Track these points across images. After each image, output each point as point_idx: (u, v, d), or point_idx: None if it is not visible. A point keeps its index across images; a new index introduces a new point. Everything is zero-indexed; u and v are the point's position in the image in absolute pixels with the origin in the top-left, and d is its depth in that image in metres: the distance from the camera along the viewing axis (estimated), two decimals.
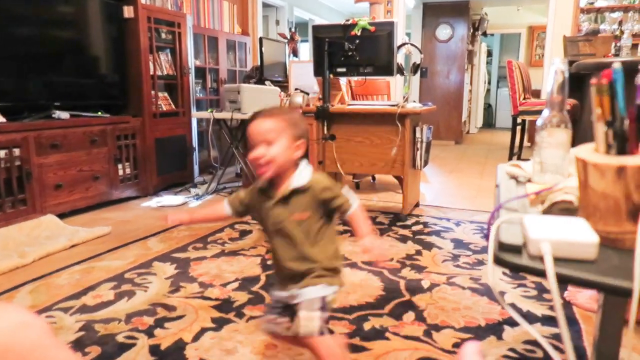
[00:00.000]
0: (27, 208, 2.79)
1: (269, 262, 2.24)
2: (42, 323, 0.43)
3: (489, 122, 10.30)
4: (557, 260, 0.60)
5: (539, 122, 0.99)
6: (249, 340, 1.52)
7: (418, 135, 3.03)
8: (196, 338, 1.54)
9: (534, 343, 1.50)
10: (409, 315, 1.69)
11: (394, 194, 3.74)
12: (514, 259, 0.63)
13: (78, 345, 1.50)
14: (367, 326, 1.61)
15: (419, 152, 3.07)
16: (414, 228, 2.81)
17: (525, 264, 0.62)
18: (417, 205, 3.37)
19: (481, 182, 4.21)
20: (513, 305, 1.76)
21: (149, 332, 1.58)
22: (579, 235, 0.62)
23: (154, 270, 2.15)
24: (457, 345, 1.49)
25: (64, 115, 3.09)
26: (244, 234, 2.72)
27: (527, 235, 0.64)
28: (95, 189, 3.27)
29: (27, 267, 2.20)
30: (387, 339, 1.53)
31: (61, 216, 2.95)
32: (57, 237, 2.60)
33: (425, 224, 2.89)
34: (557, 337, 1.53)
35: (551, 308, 1.74)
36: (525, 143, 5.36)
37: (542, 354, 1.44)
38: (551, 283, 0.59)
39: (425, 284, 1.98)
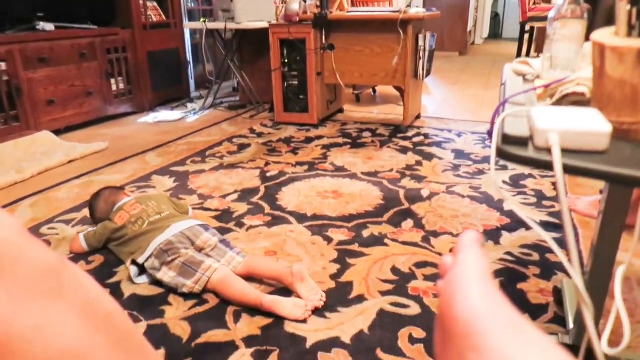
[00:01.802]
0: (20, 125, 2.74)
1: (268, 174, 2.23)
2: (12, 220, 0.40)
3: (495, 33, 9.88)
4: (565, 151, 0.57)
5: (551, 14, 0.91)
6: (249, 248, 1.54)
7: (421, 43, 2.90)
8: None
9: (531, 247, 1.52)
10: (408, 223, 1.70)
11: (395, 107, 3.66)
12: (519, 152, 0.59)
13: (81, 254, 1.52)
14: (366, 233, 1.63)
15: (421, 62, 2.95)
16: (415, 139, 2.77)
17: (531, 156, 0.59)
18: (418, 117, 3.30)
19: (485, 94, 4.11)
20: (511, 212, 1.77)
21: None
22: (590, 125, 0.58)
23: (153, 183, 2.14)
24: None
25: (49, 26, 2.94)
26: (242, 147, 2.69)
27: (534, 127, 0.60)
28: (89, 104, 3.20)
29: (26, 183, 2.20)
30: (386, 245, 1.55)
31: (57, 133, 2.91)
32: (54, 153, 2.57)
33: (426, 136, 2.85)
34: (555, 241, 1.54)
35: (550, 215, 1.75)
36: (532, 54, 5.17)
37: (538, 257, 1.46)
38: (558, 175, 0.56)
39: (425, 193, 1.98)
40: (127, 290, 1.32)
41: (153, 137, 2.94)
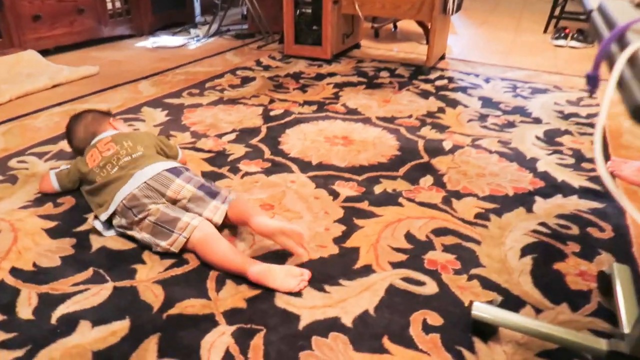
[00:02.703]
0: (3, 41, 2.48)
1: (271, 113, 1.99)
2: None
3: None
4: None
5: None
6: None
7: None
8: None
9: (569, 218, 1.30)
10: (427, 180, 1.48)
11: (417, 45, 3.33)
12: None
13: (49, 195, 1.33)
14: (377, 189, 1.41)
15: None
16: (438, 83, 2.49)
17: None
18: (442, 58, 2.99)
19: (515, 37, 3.73)
20: (545, 174, 1.53)
21: None
22: None
23: (142, 116, 1.92)
24: (479, 216, 1.29)
25: None
26: (246, 81, 2.43)
27: None
28: (81, 23, 2.91)
29: (3, 107, 1.98)
30: (400, 204, 1.34)
31: (45, 53, 2.65)
32: (39, 75, 2.33)
33: (450, 79, 2.56)
34: (596, 212, 1.33)
35: (590, 179, 1.52)
36: None
37: (577, 230, 1.25)
38: None
39: (447, 145, 1.74)
40: (96, 242, 1.14)
41: (149, 64, 2.68)
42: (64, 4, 2.76)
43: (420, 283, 1.04)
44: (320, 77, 2.54)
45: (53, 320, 0.90)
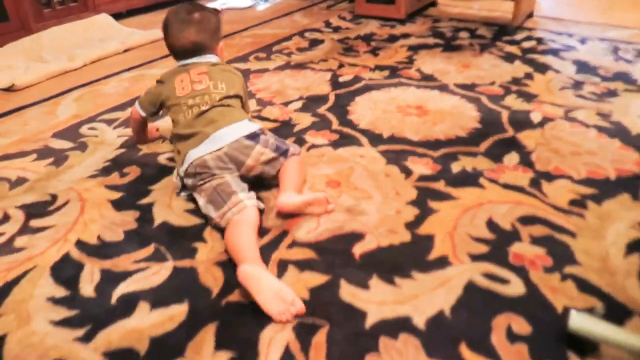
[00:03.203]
0: (77, 5, 2.51)
1: (340, 79, 1.87)
2: None
3: None
4: None
5: None
6: (308, 174, 1.26)
7: None
8: None
9: None
10: (512, 157, 1.32)
11: (501, 2, 3.02)
12: None
13: (116, 164, 1.32)
14: (455, 167, 1.28)
15: None
16: (525, 44, 2.24)
17: None
18: (530, 16, 2.69)
19: None
20: None
21: None
22: None
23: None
24: (574, 202, 1.13)
25: None
26: (314, 43, 2.31)
27: None
28: None
29: (76, 72, 2.01)
30: (481, 186, 1.20)
31: (117, 17, 2.67)
32: (111, 39, 2.34)
33: (539, 40, 2.30)
34: None
35: None
36: None
37: None
38: None
39: (536, 117, 1.55)
40: (159, 216, 1.11)
41: None
42: None
43: (504, 281, 0.91)
44: (393, 38, 2.36)
45: (113, 300, 0.88)
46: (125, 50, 2.25)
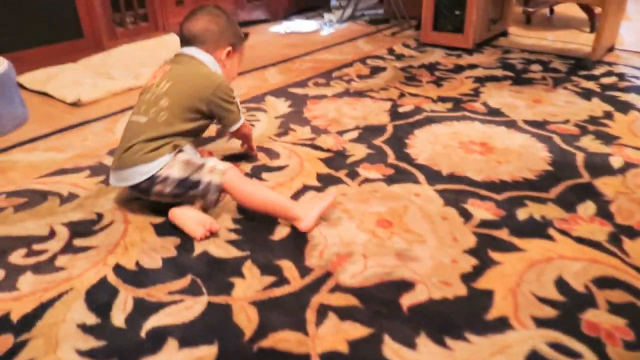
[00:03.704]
0: (148, 25, 2.61)
1: (400, 109, 1.79)
2: None
3: None
4: None
5: None
6: (358, 210, 1.18)
7: None
8: (295, 197, 1.24)
9: None
10: (587, 207, 1.18)
11: (578, 33, 2.85)
12: None
13: None
14: (521, 214, 1.16)
15: None
16: (604, 80, 2.07)
17: None
18: (611, 49, 2.51)
19: None
20: None
21: None
22: None
23: (265, 106, 1.85)
24: None
25: None
26: (375, 71, 2.25)
27: None
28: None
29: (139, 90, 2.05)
30: (550, 238, 1.07)
31: None
32: None
33: (621, 76, 2.12)
34: None
35: None
36: None
37: None
38: None
39: (616, 162, 1.40)
40: (200, 245, 1.06)
41: (279, 50, 2.63)
42: None
43: (574, 354, 0.79)
44: (458, 69, 2.26)
45: (142, 333, 0.84)
46: None
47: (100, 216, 1.17)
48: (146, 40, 2.53)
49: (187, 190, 1.11)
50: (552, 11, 3.34)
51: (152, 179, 1.10)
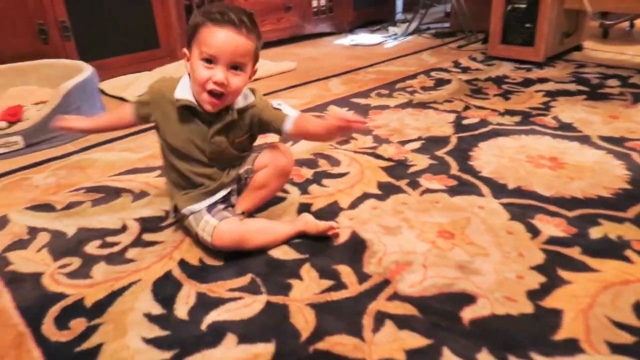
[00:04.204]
0: None
1: (464, 122, 1.75)
2: None
3: None
4: None
5: None
6: (419, 220, 1.16)
7: None
8: (354, 205, 1.24)
9: None
10: None
11: None
12: None
13: None
14: (595, 233, 1.09)
15: None
16: None
17: None
18: None
19: None
20: None
21: (303, 187, 1.33)
22: None
23: (327, 114, 1.87)
24: None
25: None
26: (440, 83, 2.22)
27: None
28: (287, 20, 3.05)
29: None
30: (628, 259, 1.00)
31: None
32: None
33: None
34: None
35: None
36: None
37: None
38: None
39: None
40: None
41: (343, 62, 2.66)
42: (275, 2, 2.92)
43: None
44: (528, 82, 2.19)
45: (203, 326, 0.86)
46: (255, 79, 2.36)
47: (167, 213, 1.22)
48: None
49: None
50: (632, 25, 3.16)
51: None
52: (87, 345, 0.83)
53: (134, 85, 2.20)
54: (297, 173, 1.41)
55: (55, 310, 0.91)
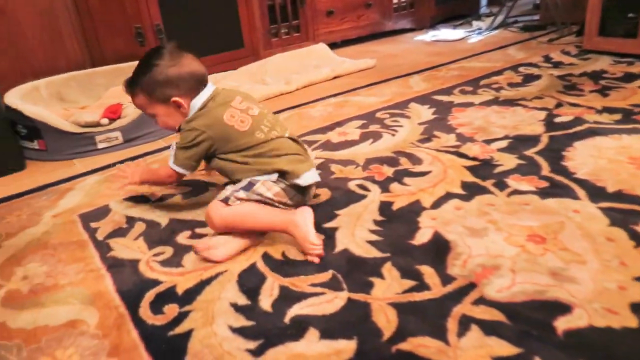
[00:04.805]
0: (300, 35, 2.77)
1: (556, 120, 1.65)
2: None
3: None
4: None
5: None
6: (506, 223, 1.11)
7: None
8: (437, 204, 1.21)
9: None
10: None
11: None
12: None
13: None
14: None
15: None
16: None
17: None
18: None
19: None
20: None
21: (384, 186, 1.32)
22: None
23: (408, 112, 1.84)
24: None
25: None
26: (529, 79, 2.11)
27: None
28: (367, 17, 3.03)
29: (290, 95, 2.19)
30: None
31: (332, 46, 2.86)
32: (323, 66, 2.51)
33: None
34: None
35: None
36: None
37: None
38: None
39: None
40: (341, 242, 1.09)
41: (424, 58, 2.61)
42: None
43: None
44: (629, 77, 2.02)
45: (286, 319, 0.88)
46: (335, 77, 2.38)
47: None
48: (297, 49, 2.68)
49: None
50: None
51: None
52: (179, 330, 0.88)
53: (219, 83, 2.29)
54: (378, 171, 1.40)
55: (150, 295, 0.98)
